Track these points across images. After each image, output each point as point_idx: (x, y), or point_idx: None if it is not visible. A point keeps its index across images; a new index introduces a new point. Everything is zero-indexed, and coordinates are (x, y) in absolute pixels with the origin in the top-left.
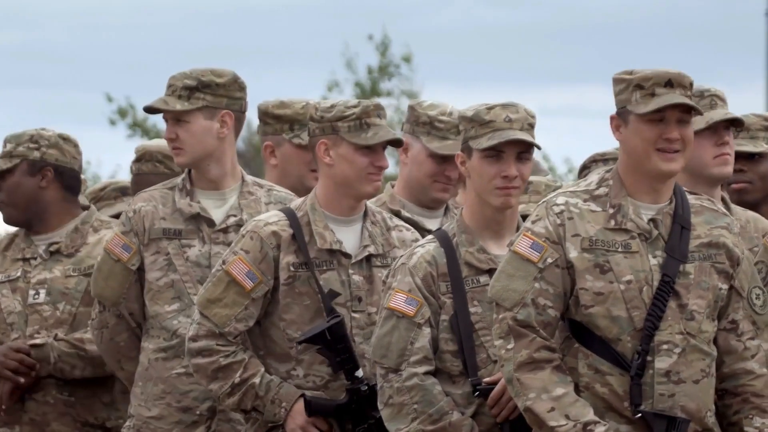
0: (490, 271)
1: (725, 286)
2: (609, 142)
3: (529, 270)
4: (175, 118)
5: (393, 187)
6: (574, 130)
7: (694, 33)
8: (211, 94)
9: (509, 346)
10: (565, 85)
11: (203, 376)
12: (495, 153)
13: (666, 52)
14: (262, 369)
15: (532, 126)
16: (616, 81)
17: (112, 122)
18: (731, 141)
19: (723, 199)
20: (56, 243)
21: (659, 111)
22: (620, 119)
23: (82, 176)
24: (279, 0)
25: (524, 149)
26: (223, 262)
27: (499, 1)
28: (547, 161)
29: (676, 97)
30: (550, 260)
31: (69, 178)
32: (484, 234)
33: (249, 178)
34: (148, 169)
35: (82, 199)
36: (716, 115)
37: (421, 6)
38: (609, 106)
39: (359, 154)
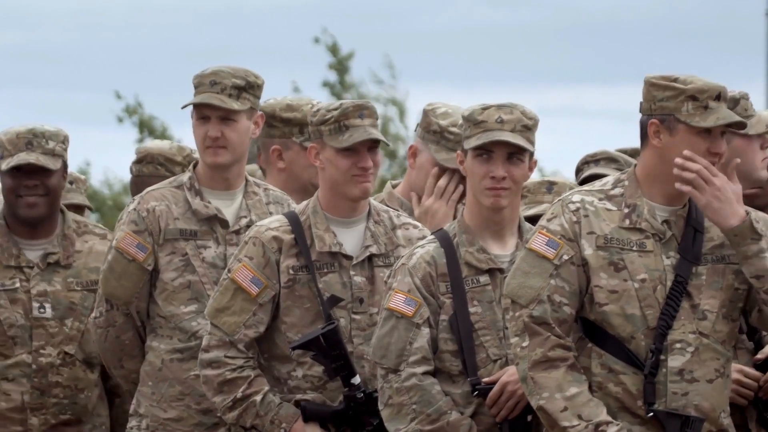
0: (490, 271)
1: (743, 287)
2: (608, 143)
3: (544, 267)
4: (224, 117)
5: (394, 187)
6: (572, 131)
7: (693, 33)
8: (253, 95)
9: (524, 344)
10: (563, 86)
11: (210, 388)
12: (485, 153)
13: (666, 52)
14: (266, 388)
15: (527, 128)
16: (659, 86)
17: (120, 120)
18: None
19: None
20: (53, 254)
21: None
22: (662, 126)
23: (82, 176)
24: (279, 0)
25: (515, 150)
26: (229, 270)
27: (498, 1)
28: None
29: (731, 113)
30: (565, 257)
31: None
32: (485, 234)
33: (250, 177)
34: (149, 171)
35: (82, 199)
36: None
37: (419, 6)
38: (607, 106)
39: (340, 156)
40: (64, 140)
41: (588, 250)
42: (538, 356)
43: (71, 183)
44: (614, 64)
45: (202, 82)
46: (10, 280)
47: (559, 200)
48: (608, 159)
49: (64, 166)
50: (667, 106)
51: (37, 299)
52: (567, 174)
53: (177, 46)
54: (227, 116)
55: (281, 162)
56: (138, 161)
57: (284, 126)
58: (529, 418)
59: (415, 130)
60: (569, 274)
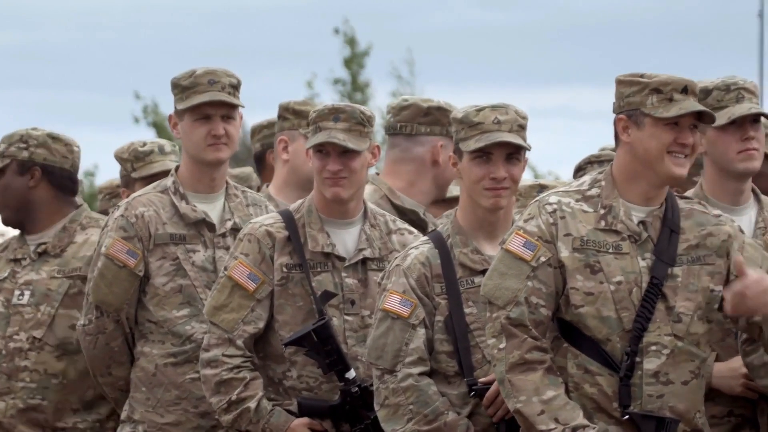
0: (485, 272)
1: (718, 288)
2: (602, 143)
3: (522, 268)
4: (226, 115)
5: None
6: (566, 131)
7: (686, 34)
8: (239, 93)
9: (501, 346)
10: (557, 86)
11: (208, 388)
12: (484, 155)
13: (658, 53)
14: (260, 393)
15: (522, 127)
16: (625, 83)
17: (137, 120)
18: (760, 135)
19: (753, 191)
20: (44, 243)
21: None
22: (630, 121)
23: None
24: (277, 1)
25: (513, 150)
26: (225, 268)
27: (492, 2)
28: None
29: (695, 104)
30: (543, 259)
31: (59, 178)
32: (478, 235)
33: (229, 180)
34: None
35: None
36: (738, 110)
37: (414, 7)
38: (601, 107)
39: (314, 157)
40: (22, 139)
41: (564, 252)
42: (515, 358)
43: None
44: (608, 65)
45: (198, 82)
46: (4, 272)
47: (535, 201)
48: (612, 161)
49: (21, 164)
50: (634, 101)
51: (20, 287)
52: (562, 175)
53: (177, 46)
54: (229, 114)
55: (286, 153)
56: None
57: (295, 117)
58: None
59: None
60: (546, 276)
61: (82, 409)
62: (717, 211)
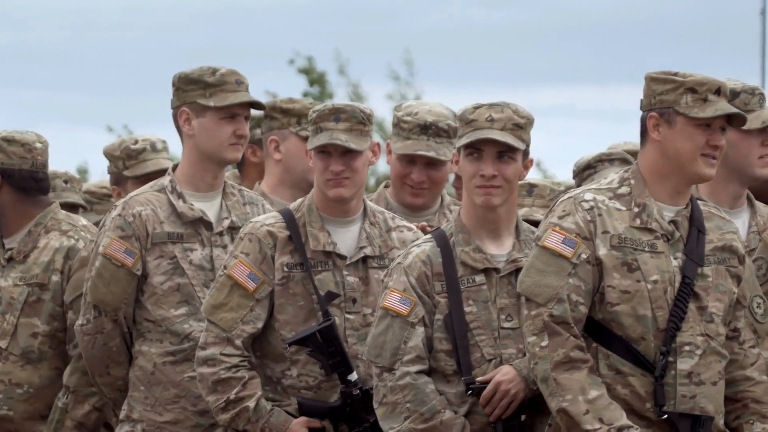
0: (486, 271)
1: (737, 291)
2: (601, 143)
3: (562, 265)
4: (246, 116)
5: (386, 187)
6: (565, 131)
7: (687, 33)
8: None
9: (543, 344)
10: (556, 86)
11: (204, 387)
12: (475, 152)
13: (659, 52)
14: (259, 392)
15: (519, 126)
16: (658, 80)
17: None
18: None
19: (748, 197)
20: (10, 249)
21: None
22: (662, 119)
23: (77, 176)
24: (275, 1)
25: (505, 149)
26: (225, 267)
27: (491, 1)
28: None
29: (729, 106)
30: (584, 256)
31: (19, 180)
32: (481, 233)
33: (226, 179)
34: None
35: (76, 198)
36: None
37: (413, 6)
38: (600, 106)
39: (317, 158)
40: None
41: (602, 250)
42: (560, 357)
43: (66, 182)
44: (607, 64)
45: (225, 81)
46: None
47: (569, 197)
48: (623, 160)
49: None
50: (667, 99)
51: None
52: (560, 175)
53: (171, 46)
54: (248, 115)
55: (278, 153)
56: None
57: (283, 116)
58: (523, 417)
59: None
60: (585, 273)
61: (46, 416)
62: (727, 216)
